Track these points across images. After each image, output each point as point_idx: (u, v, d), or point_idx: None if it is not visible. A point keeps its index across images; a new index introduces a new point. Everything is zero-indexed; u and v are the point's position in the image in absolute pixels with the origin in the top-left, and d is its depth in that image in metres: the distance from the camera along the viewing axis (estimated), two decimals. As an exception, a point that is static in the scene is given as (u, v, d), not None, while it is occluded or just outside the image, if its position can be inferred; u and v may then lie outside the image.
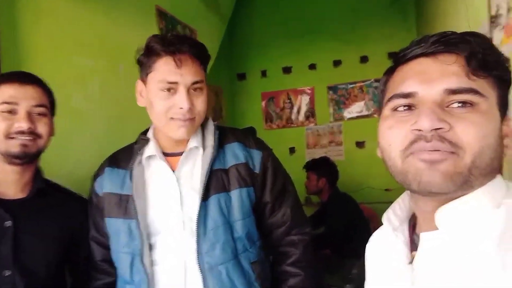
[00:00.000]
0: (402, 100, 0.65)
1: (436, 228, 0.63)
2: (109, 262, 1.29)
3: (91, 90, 2.09)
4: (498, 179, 0.63)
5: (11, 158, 1.18)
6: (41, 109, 1.22)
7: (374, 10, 4.29)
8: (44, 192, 1.27)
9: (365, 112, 4.36)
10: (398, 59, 0.70)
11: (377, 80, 4.30)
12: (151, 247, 1.18)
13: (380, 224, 0.78)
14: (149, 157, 1.23)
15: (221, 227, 1.16)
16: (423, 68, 0.64)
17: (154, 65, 1.14)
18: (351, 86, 4.39)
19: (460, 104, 0.60)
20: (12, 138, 1.16)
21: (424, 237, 0.65)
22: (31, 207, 1.23)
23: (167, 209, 1.19)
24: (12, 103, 1.16)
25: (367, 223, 3.08)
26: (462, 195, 0.61)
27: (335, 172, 3.20)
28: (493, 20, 1.26)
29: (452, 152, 0.58)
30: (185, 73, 1.12)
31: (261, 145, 1.30)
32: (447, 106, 0.60)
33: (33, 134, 1.19)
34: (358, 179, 4.14)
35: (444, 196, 0.61)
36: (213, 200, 1.17)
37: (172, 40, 1.14)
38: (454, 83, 0.60)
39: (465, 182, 0.59)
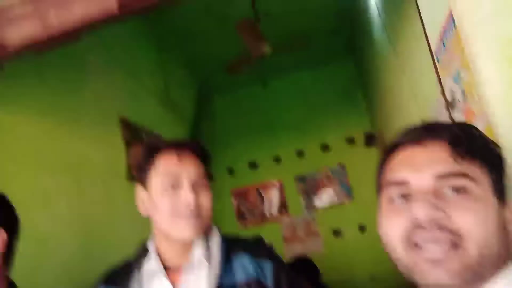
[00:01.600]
0: (395, 189, 0.65)
1: None
2: None
3: (58, 211, 1.98)
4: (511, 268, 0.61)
5: None
6: None
7: (326, 100, 4.57)
8: None
9: (336, 199, 4.38)
10: (388, 150, 0.71)
11: (340, 165, 4.41)
12: None
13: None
14: (149, 272, 1.12)
15: None
16: (411, 156, 0.65)
17: (155, 163, 1.11)
18: (318, 174, 4.46)
19: (453, 190, 0.60)
20: None
21: None
22: None
23: None
24: None
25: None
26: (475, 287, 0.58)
27: (317, 274, 3.07)
28: (451, 105, 1.33)
29: (455, 244, 0.56)
30: (187, 166, 1.10)
31: (272, 255, 1.19)
32: (441, 193, 0.60)
33: None
34: (340, 269, 3.99)
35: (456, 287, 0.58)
36: None
37: (171, 140, 1.16)
38: (442, 168, 0.61)
39: (474, 274, 0.57)
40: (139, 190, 1.16)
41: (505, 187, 0.65)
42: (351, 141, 4.46)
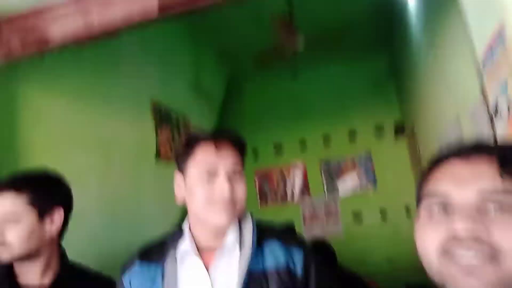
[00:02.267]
0: (435, 199, 0.64)
1: None
2: None
3: (88, 187, 2.07)
4: None
5: None
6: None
7: (357, 89, 4.49)
8: (68, 278, 1.31)
9: (358, 185, 4.36)
10: (432, 162, 0.70)
11: (367, 153, 4.36)
12: None
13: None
14: (183, 252, 1.16)
15: None
16: (455, 169, 0.64)
17: (194, 152, 1.14)
18: (343, 160, 4.43)
19: (496, 207, 0.58)
20: None
21: None
22: None
23: None
24: None
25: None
26: None
27: (334, 258, 3.07)
28: (495, 113, 1.30)
29: (492, 257, 0.55)
30: (224, 156, 1.13)
31: (302, 244, 1.22)
32: (483, 209, 0.59)
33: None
34: (359, 252, 4.03)
35: None
36: None
37: (211, 131, 1.19)
38: (487, 184, 0.59)
39: None
40: (177, 177, 1.19)
41: None
42: (379, 129, 4.39)
